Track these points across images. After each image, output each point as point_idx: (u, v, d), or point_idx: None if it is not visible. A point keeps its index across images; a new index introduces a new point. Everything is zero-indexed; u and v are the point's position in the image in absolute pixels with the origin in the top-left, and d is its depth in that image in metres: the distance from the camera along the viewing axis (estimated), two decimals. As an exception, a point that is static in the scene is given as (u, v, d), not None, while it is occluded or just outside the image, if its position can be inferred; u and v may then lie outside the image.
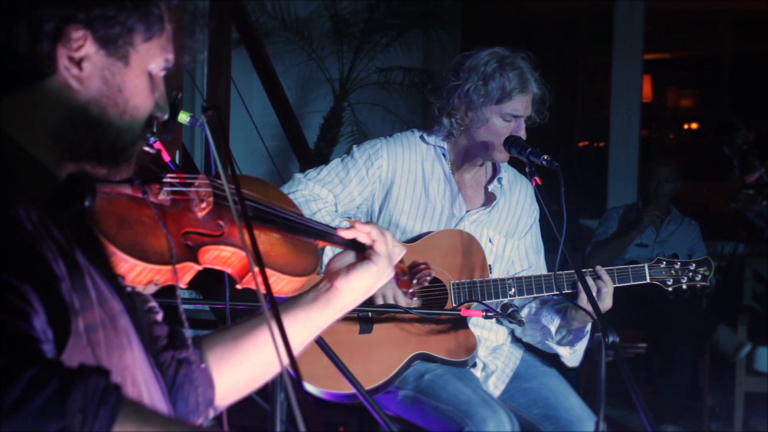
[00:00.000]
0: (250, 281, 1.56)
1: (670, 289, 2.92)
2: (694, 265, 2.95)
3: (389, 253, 1.68)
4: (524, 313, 3.04)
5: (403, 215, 3.02)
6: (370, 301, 2.94)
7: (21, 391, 1.06)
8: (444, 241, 2.98)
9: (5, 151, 1.28)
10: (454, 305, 2.90)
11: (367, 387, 2.71)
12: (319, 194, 2.98)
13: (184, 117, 2.17)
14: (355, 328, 2.91)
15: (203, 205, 1.52)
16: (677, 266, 2.94)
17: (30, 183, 1.28)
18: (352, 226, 1.70)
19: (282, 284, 1.60)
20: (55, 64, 1.29)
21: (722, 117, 8.65)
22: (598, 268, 2.82)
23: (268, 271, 1.54)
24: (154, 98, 1.40)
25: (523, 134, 2.95)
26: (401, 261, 1.76)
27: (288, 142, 5.58)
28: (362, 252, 1.69)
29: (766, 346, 4.99)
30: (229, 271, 1.57)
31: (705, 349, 5.09)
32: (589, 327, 2.90)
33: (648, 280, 2.92)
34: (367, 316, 2.92)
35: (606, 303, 2.79)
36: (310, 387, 2.83)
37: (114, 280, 1.37)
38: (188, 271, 1.48)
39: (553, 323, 2.92)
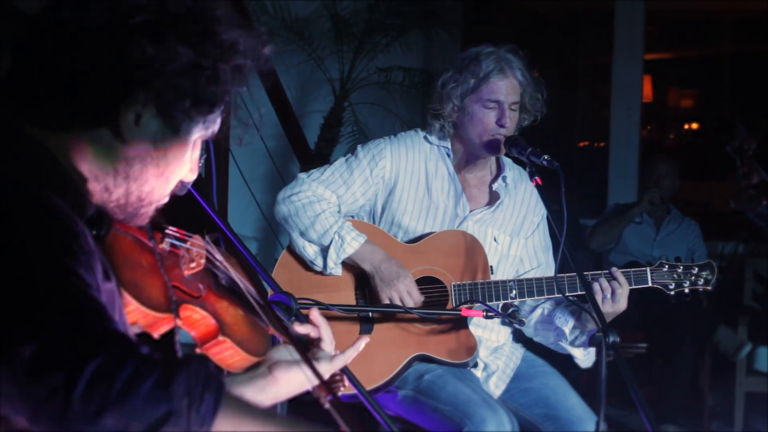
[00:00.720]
0: (210, 348, 1.58)
1: (673, 293, 2.92)
2: (696, 269, 2.94)
3: (336, 367, 1.78)
4: (537, 314, 3.03)
5: (406, 215, 3.02)
6: (373, 301, 2.94)
7: (125, 381, 1.10)
8: (446, 241, 2.97)
9: (60, 178, 1.34)
10: (455, 306, 2.89)
11: (367, 388, 2.70)
12: (323, 195, 2.98)
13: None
14: (355, 328, 2.91)
15: (192, 264, 1.56)
16: (680, 270, 2.92)
17: (75, 208, 1.33)
18: (313, 325, 1.79)
19: (236, 359, 1.61)
20: (116, 116, 1.34)
21: (723, 117, 8.65)
22: (614, 270, 2.81)
23: (228, 343, 1.56)
24: (190, 163, 1.46)
25: (509, 123, 2.92)
26: None
27: (288, 142, 5.57)
28: (305, 350, 1.77)
29: (767, 346, 4.99)
30: (192, 334, 1.58)
31: (705, 349, 5.08)
32: None
33: (650, 284, 2.90)
34: (368, 316, 2.92)
35: (620, 305, 2.78)
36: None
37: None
38: (165, 324, 1.49)
39: (567, 324, 2.91)
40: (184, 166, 1.44)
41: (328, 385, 1.81)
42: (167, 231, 1.53)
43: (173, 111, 1.36)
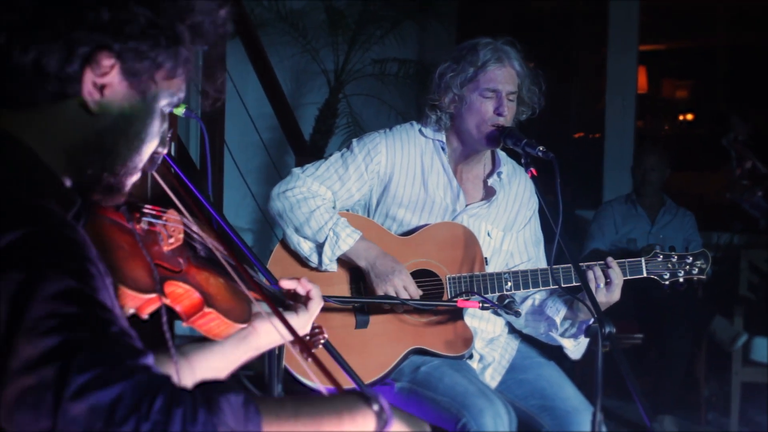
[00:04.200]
0: (196, 321, 1.57)
1: (667, 282, 2.91)
2: (691, 258, 2.93)
3: (314, 314, 1.82)
4: (527, 305, 3.02)
5: (401, 209, 3.01)
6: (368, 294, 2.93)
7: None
8: (440, 234, 2.96)
9: (27, 162, 1.29)
10: (450, 299, 2.88)
11: (365, 382, 2.70)
12: (317, 191, 2.96)
13: (179, 109, 2.16)
14: (350, 323, 2.90)
15: (171, 240, 1.53)
16: (674, 259, 2.92)
17: (48, 194, 1.28)
18: (297, 279, 1.83)
19: (222, 328, 1.61)
20: (80, 86, 1.30)
21: (717, 108, 8.65)
22: (609, 259, 2.80)
23: (214, 314, 1.56)
24: (159, 134, 1.42)
25: (507, 112, 2.92)
26: None
27: (283, 133, 5.56)
28: (284, 308, 1.80)
29: (762, 336, 5.00)
30: (177, 308, 1.57)
31: (701, 340, 5.09)
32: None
33: (645, 275, 2.90)
34: (363, 309, 2.91)
35: (614, 295, 2.78)
36: (308, 382, 2.82)
37: None
38: (153, 303, 1.47)
39: (559, 314, 2.90)
40: (153, 134, 1.39)
41: (304, 339, 1.84)
42: (144, 210, 1.50)
43: (137, 75, 1.32)
